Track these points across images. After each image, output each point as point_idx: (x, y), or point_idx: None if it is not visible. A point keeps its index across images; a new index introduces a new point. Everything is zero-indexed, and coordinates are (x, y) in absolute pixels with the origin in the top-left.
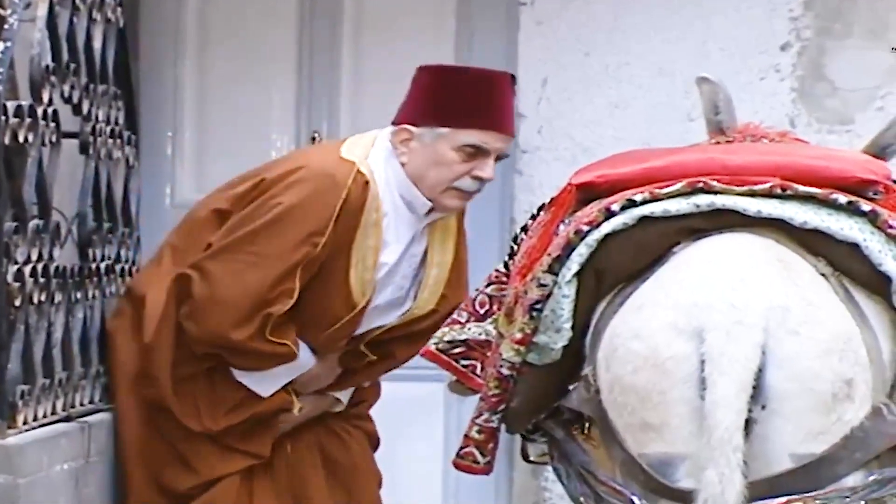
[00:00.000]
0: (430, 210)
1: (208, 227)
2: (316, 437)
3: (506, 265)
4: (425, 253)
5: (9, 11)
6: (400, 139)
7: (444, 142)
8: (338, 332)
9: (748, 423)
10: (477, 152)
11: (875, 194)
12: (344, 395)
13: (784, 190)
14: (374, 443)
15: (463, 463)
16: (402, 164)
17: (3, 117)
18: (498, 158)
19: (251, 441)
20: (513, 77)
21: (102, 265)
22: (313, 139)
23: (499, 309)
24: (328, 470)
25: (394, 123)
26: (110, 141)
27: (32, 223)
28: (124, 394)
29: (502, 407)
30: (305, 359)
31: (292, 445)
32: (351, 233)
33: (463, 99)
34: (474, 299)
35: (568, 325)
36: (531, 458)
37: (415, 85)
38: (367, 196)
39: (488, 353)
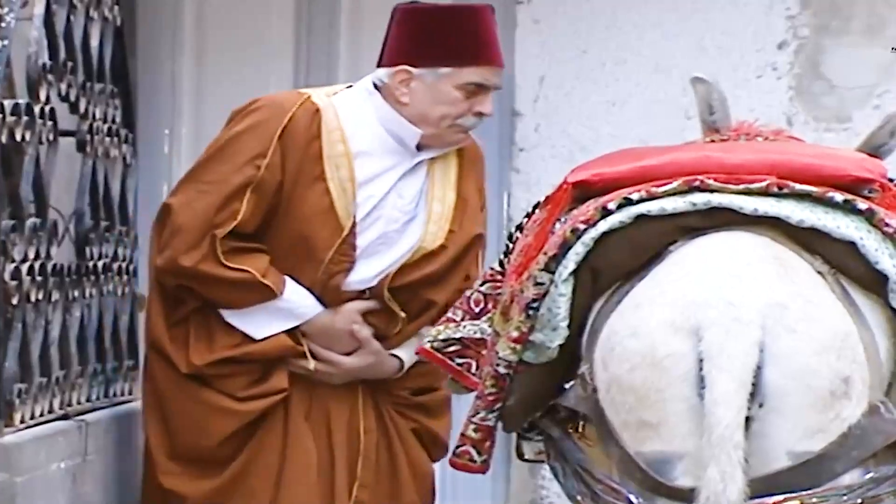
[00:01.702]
0: (423, 147)
1: None
2: (362, 419)
3: (501, 263)
4: (429, 190)
5: (5, 9)
6: (399, 80)
7: (446, 81)
8: (334, 266)
9: (747, 421)
10: (478, 89)
11: (871, 192)
12: (404, 353)
13: (780, 188)
14: (436, 450)
15: (459, 462)
16: (404, 104)
17: (0, 116)
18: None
19: (254, 387)
20: (492, 8)
21: (100, 263)
22: None
23: (494, 307)
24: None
25: (384, 65)
26: (107, 139)
27: (30, 221)
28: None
29: (499, 405)
30: (300, 302)
31: (333, 412)
32: (312, 163)
33: (459, 37)
34: (469, 297)
35: (564, 324)
36: (527, 457)
37: (402, 26)
38: (317, 123)
39: (483, 352)
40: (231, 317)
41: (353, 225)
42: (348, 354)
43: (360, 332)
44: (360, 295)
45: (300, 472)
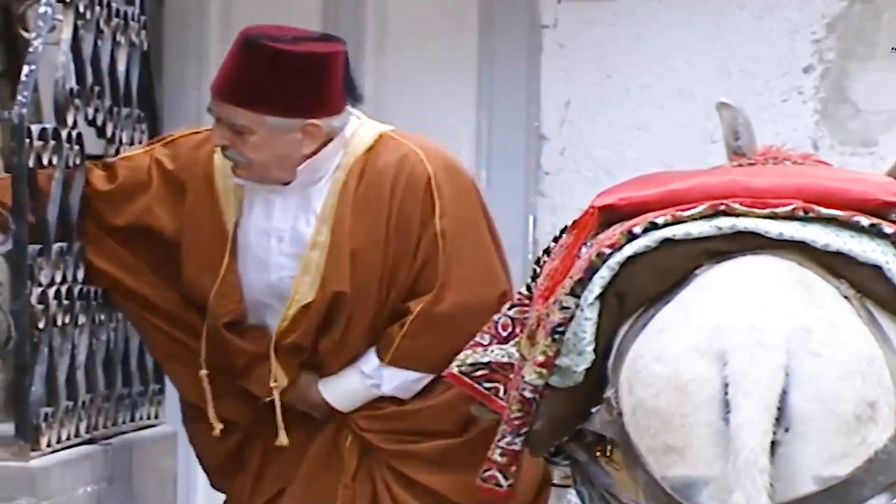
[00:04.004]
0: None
1: None
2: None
3: (528, 287)
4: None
5: (33, 34)
6: None
7: None
8: (223, 300)
9: (772, 446)
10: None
11: None
12: (329, 395)
13: (806, 212)
14: None
15: (486, 486)
16: None
17: (28, 140)
18: (239, 133)
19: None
20: (254, 45)
21: None
22: None
23: (521, 331)
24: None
25: None
26: None
27: (56, 245)
28: None
29: (525, 430)
30: None
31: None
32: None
33: (221, 69)
34: (497, 321)
35: (590, 348)
36: (554, 481)
37: None
38: (209, 159)
39: (511, 376)
40: None
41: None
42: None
43: None
44: None
45: None
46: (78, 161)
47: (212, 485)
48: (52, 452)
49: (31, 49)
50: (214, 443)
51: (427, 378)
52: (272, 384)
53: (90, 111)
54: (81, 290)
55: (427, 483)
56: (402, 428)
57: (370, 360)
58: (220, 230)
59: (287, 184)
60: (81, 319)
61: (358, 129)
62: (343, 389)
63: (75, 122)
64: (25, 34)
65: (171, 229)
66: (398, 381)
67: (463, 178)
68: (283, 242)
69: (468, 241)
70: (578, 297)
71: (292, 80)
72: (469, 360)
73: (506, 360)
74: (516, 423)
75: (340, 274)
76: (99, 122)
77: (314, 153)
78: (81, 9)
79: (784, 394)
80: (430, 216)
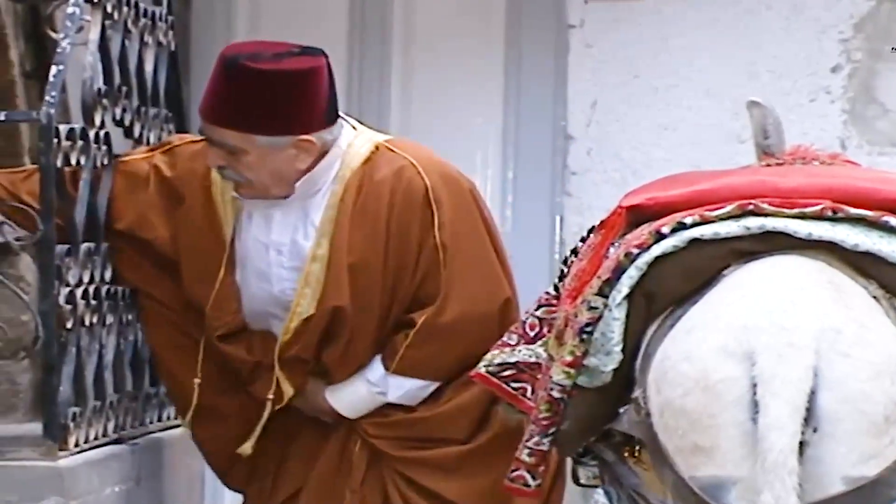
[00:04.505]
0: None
1: None
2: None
3: (556, 287)
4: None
5: (61, 35)
6: None
7: None
8: (220, 308)
9: (801, 446)
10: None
11: None
12: (336, 402)
13: (835, 212)
14: None
15: (514, 486)
16: None
17: (56, 140)
18: (233, 153)
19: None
20: (234, 66)
21: None
22: None
23: (549, 331)
24: None
25: None
26: None
27: (84, 246)
28: None
29: (553, 430)
30: None
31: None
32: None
33: (207, 89)
34: (524, 321)
35: (618, 348)
36: (582, 482)
37: None
38: (207, 171)
39: (538, 376)
40: None
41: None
42: None
43: None
44: None
45: None
46: (105, 161)
47: (224, 483)
48: (79, 452)
49: (59, 49)
50: (224, 444)
51: (432, 386)
52: (268, 396)
53: (118, 111)
54: (109, 289)
55: (436, 489)
56: (410, 435)
57: (376, 369)
58: (217, 241)
59: (286, 197)
60: (109, 319)
61: (354, 139)
62: (349, 397)
63: (103, 123)
64: (53, 34)
65: (164, 237)
66: (404, 389)
67: (461, 187)
68: (282, 255)
69: (468, 251)
70: (606, 297)
71: (277, 99)
72: (496, 360)
73: (533, 360)
74: (544, 423)
75: (340, 289)
76: (126, 123)
77: (310, 167)
78: (109, 9)
79: (813, 394)
80: (429, 228)
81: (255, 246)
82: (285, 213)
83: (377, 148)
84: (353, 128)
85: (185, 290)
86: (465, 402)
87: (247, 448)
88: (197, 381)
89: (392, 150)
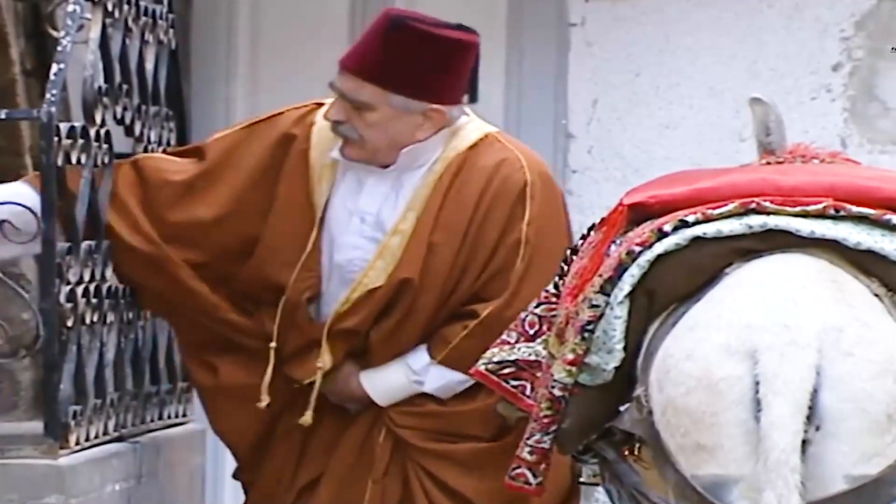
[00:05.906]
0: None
1: None
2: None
3: (556, 286)
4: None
5: (62, 33)
6: None
7: None
8: (305, 271)
9: (803, 445)
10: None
11: None
12: (370, 386)
13: (837, 210)
14: None
15: (515, 484)
16: None
17: (56, 138)
18: (358, 109)
19: None
20: (399, 24)
21: None
22: None
23: (549, 329)
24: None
25: None
26: None
27: (84, 244)
28: None
29: (554, 428)
30: None
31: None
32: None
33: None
34: (524, 319)
35: (620, 346)
36: (582, 480)
37: None
38: (308, 134)
39: (538, 374)
40: None
41: (320, 232)
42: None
43: None
44: None
45: None
46: (106, 160)
47: (234, 475)
48: (80, 450)
49: (59, 48)
50: (247, 423)
51: (469, 382)
52: (318, 365)
53: (118, 110)
54: (110, 288)
55: (455, 485)
56: (438, 427)
57: (419, 357)
58: (309, 206)
59: (387, 167)
60: (110, 318)
61: (466, 125)
62: (385, 382)
63: (104, 121)
64: (54, 33)
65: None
66: (443, 380)
67: (556, 189)
68: (364, 224)
69: (548, 251)
70: (608, 294)
71: (429, 63)
72: (496, 358)
73: (533, 358)
74: (545, 421)
75: (413, 263)
76: (127, 121)
77: (422, 140)
78: (110, 7)
79: (815, 393)
80: (517, 222)
81: (339, 213)
82: (378, 182)
83: (486, 136)
84: (467, 114)
85: (253, 264)
86: (496, 402)
87: (307, 418)
88: (273, 344)
89: (500, 142)
